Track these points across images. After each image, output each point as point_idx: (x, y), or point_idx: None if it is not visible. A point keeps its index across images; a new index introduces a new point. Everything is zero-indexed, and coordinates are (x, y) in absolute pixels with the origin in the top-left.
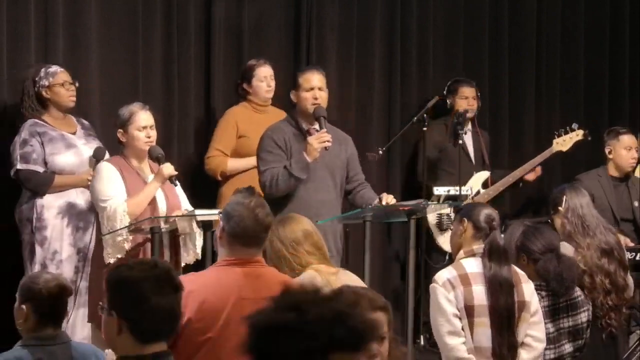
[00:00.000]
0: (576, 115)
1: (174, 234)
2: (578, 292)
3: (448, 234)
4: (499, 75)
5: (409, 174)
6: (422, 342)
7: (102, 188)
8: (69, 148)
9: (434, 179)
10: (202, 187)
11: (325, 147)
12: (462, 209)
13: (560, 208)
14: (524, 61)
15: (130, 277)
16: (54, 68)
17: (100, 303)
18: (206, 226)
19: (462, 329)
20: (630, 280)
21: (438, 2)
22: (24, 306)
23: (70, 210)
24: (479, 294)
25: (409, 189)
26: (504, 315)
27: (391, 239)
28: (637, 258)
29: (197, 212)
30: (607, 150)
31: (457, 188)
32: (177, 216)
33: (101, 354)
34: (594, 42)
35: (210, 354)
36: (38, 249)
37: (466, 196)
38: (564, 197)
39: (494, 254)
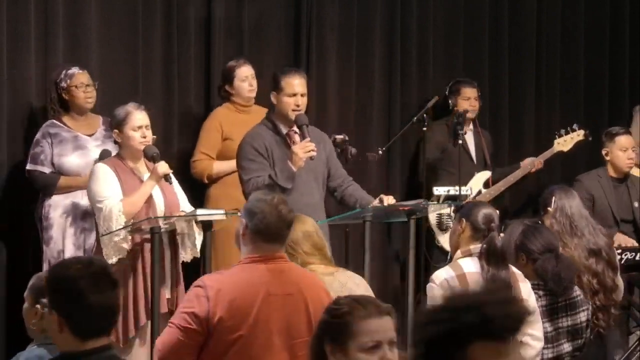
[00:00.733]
0: (576, 116)
1: (174, 234)
2: (577, 291)
3: (448, 234)
4: (499, 75)
5: (410, 174)
6: None
7: (98, 189)
8: (76, 150)
9: (435, 179)
10: (192, 188)
11: (311, 157)
12: (462, 208)
13: (549, 209)
14: (524, 61)
15: (67, 276)
16: (73, 70)
17: (43, 301)
18: (206, 226)
19: None
20: (620, 281)
21: (438, 2)
22: (38, 305)
23: (75, 211)
24: None
25: (409, 189)
26: None
27: (391, 239)
28: (637, 258)
29: (199, 211)
30: (604, 152)
31: (457, 188)
32: (178, 216)
33: None
34: (594, 42)
35: (242, 352)
36: (45, 248)
37: (466, 196)
38: (553, 197)
39: (491, 257)
